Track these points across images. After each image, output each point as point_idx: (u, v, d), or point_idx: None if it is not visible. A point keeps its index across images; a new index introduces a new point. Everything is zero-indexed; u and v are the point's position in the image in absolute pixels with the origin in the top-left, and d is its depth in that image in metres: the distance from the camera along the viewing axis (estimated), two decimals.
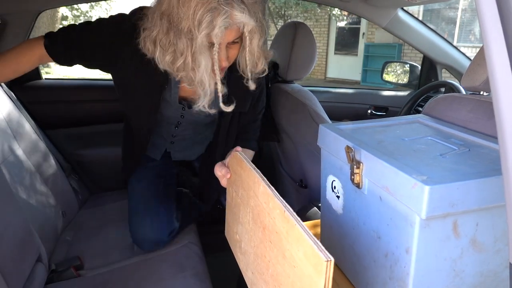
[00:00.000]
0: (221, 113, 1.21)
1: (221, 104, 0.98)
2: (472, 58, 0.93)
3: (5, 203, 0.90)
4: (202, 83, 0.93)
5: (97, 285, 1.09)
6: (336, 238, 0.84)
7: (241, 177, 0.83)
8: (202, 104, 0.99)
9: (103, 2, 12.41)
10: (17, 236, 0.91)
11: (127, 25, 1.02)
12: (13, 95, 1.44)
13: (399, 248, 0.63)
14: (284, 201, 0.62)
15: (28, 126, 1.41)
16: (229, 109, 1.00)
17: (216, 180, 0.97)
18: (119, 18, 1.08)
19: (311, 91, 1.59)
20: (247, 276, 0.79)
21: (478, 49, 0.91)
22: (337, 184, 0.80)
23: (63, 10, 10.54)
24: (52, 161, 1.46)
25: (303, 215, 1.30)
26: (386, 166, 0.62)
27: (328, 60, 10.62)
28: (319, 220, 1.04)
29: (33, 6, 1.53)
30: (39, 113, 1.65)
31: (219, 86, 0.95)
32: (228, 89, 1.01)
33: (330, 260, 0.48)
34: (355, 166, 0.69)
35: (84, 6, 12.50)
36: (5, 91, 1.38)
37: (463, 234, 0.61)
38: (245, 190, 0.80)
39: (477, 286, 0.65)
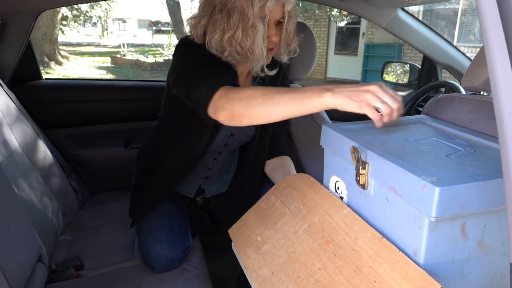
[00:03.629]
0: (255, 131, 1.27)
1: (265, 68, 1.09)
2: (472, 58, 0.93)
3: (6, 203, 0.90)
4: (257, 47, 1.00)
5: (97, 285, 1.09)
6: None
7: (306, 195, 0.87)
8: (255, 70, 1.08)
9: (103, 2, 12.41)
10: (18, 236, 0.91)
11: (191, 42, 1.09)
12: (13, 95, 1.44)
13: (406, 250, 0.63)
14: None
15: (28, 126, 1.41)
16: (272, 72, 1.12)
17: (232, 206, 1.01)
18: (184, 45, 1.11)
19: None
20: (258, 274, 0.79)
21: (478, 49, 0.91)
22: (341, 184, 0.79)
23: (63, 10, 10.53)
24: (52, 161, 1.46)
25: None
26: (393, 167, 0.62)
27: (328, 60, 10.61)
28: None
29: (33, 6, 1.53)
30: (39, 113, 1.65)
31: (265, 52, 1.04)
32: (266, 81, 1.19)
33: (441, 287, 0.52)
34: (360, 167, 0.68)
35: (84, 6, 12.49)
36: (5, 91, 1.38)
37: (471, 236, 0.61)
38: (306, 206, 0.84)
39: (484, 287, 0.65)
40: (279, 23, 1.06)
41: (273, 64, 1.18)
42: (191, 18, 1.09)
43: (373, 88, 0.70)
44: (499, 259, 0.64)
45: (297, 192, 0.93)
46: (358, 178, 0.70)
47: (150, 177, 1.23)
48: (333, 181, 0.83)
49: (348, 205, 0.77)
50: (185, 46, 1.09)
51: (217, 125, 1.10)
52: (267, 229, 0.89)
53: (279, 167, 1.29)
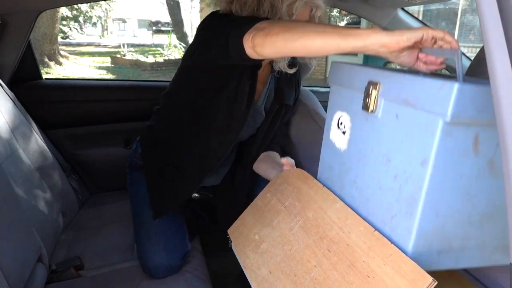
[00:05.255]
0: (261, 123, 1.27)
1: (286, 66, 1.12)
2: (472, 58, 0.93)
3: (6, 203, 0.90)
4: None
5: (97, 285, 1.09)
6: (336, 178, 0.83)
7: (301, 191, 0.87)
8: (283, 64, 1.11)
9: (103, 2, 12.41)
10: (18, 236, 0.91)
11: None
12: (13, 95, 1.44)
13: (412, 163, 0.61)
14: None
15: (28, 126, 1.41)
16: (292, 70, 1.16)
17: (236, 203, 1.08)
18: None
19: (311, 91, 1.59)
20: (257, 274, 0.79)
21: (478, 49, 0.91)
22: (345, 118, 0.79)
23: (63, 10, 10.53)
24: (52, 161, 1.46)
25: None
26: (408, 78, 0.61)
27: (328, 60, 10.61)
28: None
29: (33, 6, 1.53)
30: (39, 113, 1.65)
31: None
32: (281, 83, 1.23)
33: (436, 282, 0.52)
34: (371, 87, 0.68)
35: (84, 6, 12.49)
36: (5, 91, 1.38)
37: (482, 152, 0.59)
38: (301, 202, 0.84)
39: (488, 216, 0.63)
40: None
41: (294, 62, 1.19)
42: None
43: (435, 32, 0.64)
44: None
45: (292, 188, 0.92)
46: (367, 100, 0.69)
47: (170, 171, 1.18)
48: (336, 118, 0.82)
49: (351, 138, 0.77)
50: (211, 18, 1.03)
51: (249, 102, 1.06)
52: (264, 228, 0.89)
53: (264, 157, 1.28)
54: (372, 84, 0.69)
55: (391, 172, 0.66)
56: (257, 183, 1.30)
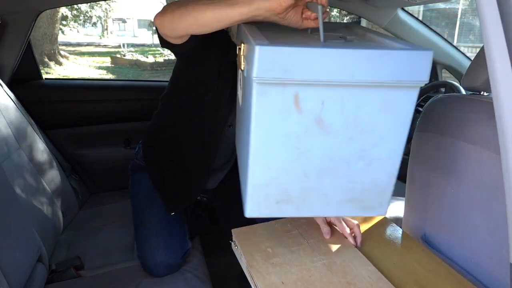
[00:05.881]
0: None
1: None
2: (472, 58, 0.93)
3: (6, 203, 0.90)
4: None
5: (97, 285, 1.09)
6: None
7: (328, 239, 0.91)
8: None
9: (103, 2, 12.41)
10: (18, 236, 0.91)
11: None
12: (13, 95, 1.44)
13: (246, 120, 0.64)
14: None
15: (28, 126, 1.41)
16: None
17: (232, 204, 1.07)
18: None
19: None
20: (265, 278, 0.79)
21: (478, 49, 0.91)
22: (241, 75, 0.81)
23: (63, 10, 10.54)
24: (52, 161, 1.46)
25: None
26: (250, 40, 0.61)
27: None
28: None
29: (33, 6, 1.53)
30: (39, 113, 1.65)
31: None
32: None
33: None
34: (239, 48, 0.68)
35: (84, 6, 12.49)
36: (5, 91, 1.38)
37: (306, 111, 0.60)
38: (327, 247, 0.88)
39: (327, 171, 0.65)
40: None
41: None
42: None
43: None
44: (343, 143, 0.62)
45: (318, 233, 0.94)
46: (239, 60, 0.69)
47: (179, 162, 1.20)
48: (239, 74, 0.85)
49: (242, 95, 0.78)
50: None
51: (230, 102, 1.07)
52: (280, 247, 0.89)
53: None
54: (240, 44, 0.68)
55: (239, 133, 0.71)
56: None
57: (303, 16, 0.70)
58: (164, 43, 0.92)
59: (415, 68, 0.56)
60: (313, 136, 0.62)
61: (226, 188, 1.36)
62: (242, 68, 0.67)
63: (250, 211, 0.68)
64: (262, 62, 0.55)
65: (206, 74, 1.06)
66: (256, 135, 0.61)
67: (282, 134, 0.61)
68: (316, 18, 0.68)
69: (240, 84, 0.81)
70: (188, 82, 1.13)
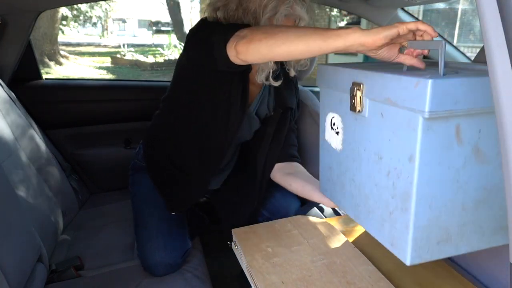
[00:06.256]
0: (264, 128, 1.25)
1: (271, 79, 1.09)
2: (472, 58, 0.93)
3: (6, 203, 0.90)
4: None
5: (97, 285, 1.09)
6: (336, 177, 0.84)
7: (328, 239, 0.91)
8: (260, 78, 1.08)
9: (102, 2, 12.40)
10: (18, 236, 0.91)
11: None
12: (13, 95, 1.44)
13: (401, 160, 0.63)
14: None
15: (28, 126, 1.41)
16: (277, 83, 1.12)
17: (233, 206, 1.10)
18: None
19: (311, 91, 1.59)
20: (265, 278, 0.80)
21: (478, 49, 0.91)
22: (336, 119, 0.81)
23: (63, 10, 10.54)
24: (52, 161, 1.46)
25: (304, 214, 1.30)
26: (387, 77, 0.63)
27: (328, 60, 10.61)
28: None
29: (33, 6, 1.53)
30: (39, 113, 1.65)
31: (271, 63, 1.05)
32: (280, 88, 1.18)
33: None
34: (355, 88, 0.70)
35: (84, 6, 12.49)
36: (5, 91, 1.38)
37: (465, 141, 0.60)
38: (327, 247, 0.88)
39: (481, 201, 0.64)
40: None
41: (279, 75, 1.16)
42: (208, 5, 1.08)
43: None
44: (496, 170, 0.63)
45: (318, 232, 0.95)
46: (353, 101, 0.71)
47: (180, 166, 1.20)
48: (329, 118, 0.84)
49: (344, 138, 0.79)
50: (198, 26, 1.04)
51: (243, 103, 1.07)
52: (280, 247, 0.89)
53: (295, 172, 1.20)
54: (356, 85, 0.70)
55: (383, 169, 0.67)
56: (273, 195, 1.30)
57: (405, 52, 0.69)
58: (225, 64, 0.88)
59: None
60: (471, 166, 0.62)
61: (226, 188, 1.36)
62: (360, 109, 0.70)
63: (412, 258, 0.64)
64: (435, 97, 0.55)
65: (220, 83, 1.06)
66: (420, 174, 0.60)
67: (444, 169, 0.61)
68: (416, 56, 0.68)
69: (336, 127, 0.81)
70: (201, 89, 1.10)
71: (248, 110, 1.19)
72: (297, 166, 1.24)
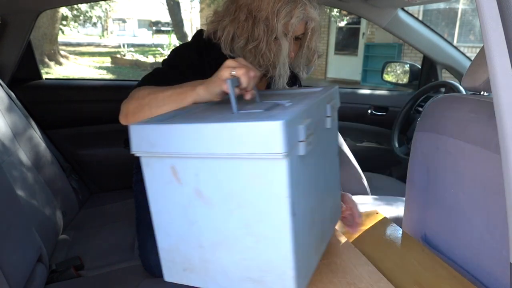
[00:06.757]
0: None
1: (285, 85, 1.08)
2: (472, 58, 0.93)
3: (7, 203, 0.90)
4: (283, 64, 1.01)
5: (97, 285, 1.09)
6: None
7: (331, 245, 0.90)
8: (277, 85, 1.07)
9: (102, 2, 12.40)
10: (18, 236, 0.91)
11: (201, 41, 1.08)
12: (13, 95, 1.44)
13: None
14: None
15: (28, 126, 1.41)
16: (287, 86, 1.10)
17: None
18: (190, 41, 1.13)
19: None
20: None
21: (478, 49, 0.91)
22: None
23: (63, 10, 10.54)
24: (52, 161, 1.46)
25: None
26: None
27: (328, 60, 10.61)
28: None
29: (33, 6, 1.53)
30: (39, 113, 1.65)
31: (288, 70, 1.05)
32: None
33: None
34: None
35: (84, 6, 12.49)
36: (5, 91, 1.38)
37: (185, 182, 0.61)
38: (328, 247, 0.86)
39: (220, 244, 0.62)
40: (297, 38, 1.04)
41: (293, 80, 1.17)
42: (212, 14, 1.07)
43: (227, 63, 0.74)
44: (227, 216, 0.60)
45: None
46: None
47: None
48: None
49: None
50: (181, 47, 1.10)
51: None
52: None
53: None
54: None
55: None
56: None
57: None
58: None
59: (265, 140, 0.52)
60: (197, 207, 0.61)
61: None
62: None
63: (166, 275, 0.69)
64: (135, 139, 0.61)
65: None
66: (152, 204, 0.65)
67: (171, 203, 0.63)
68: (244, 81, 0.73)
69: None
70: None
71: None
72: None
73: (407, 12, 1.81)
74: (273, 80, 1.07)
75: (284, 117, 0.53)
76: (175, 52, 1.10)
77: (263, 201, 0.57)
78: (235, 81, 0.70)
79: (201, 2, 12.70)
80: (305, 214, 0.62)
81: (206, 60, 1.06)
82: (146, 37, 19.73)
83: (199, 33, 1.10)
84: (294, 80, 1.19)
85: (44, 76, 1.82)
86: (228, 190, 0.58)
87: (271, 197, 0.56)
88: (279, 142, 0.51)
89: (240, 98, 0.73)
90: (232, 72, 0.71)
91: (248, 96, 0.75)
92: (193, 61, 1.05)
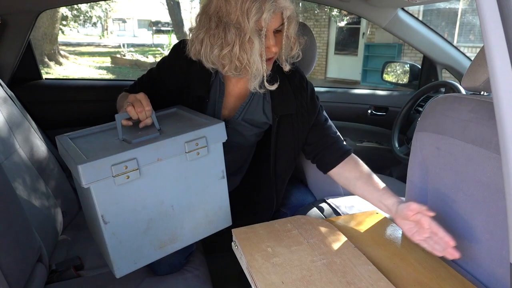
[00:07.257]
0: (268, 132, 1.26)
1: (266, 83, 1.05)
2: (472, 58, 0.93)
3: (6, 203, 0.90)
4: (254, 63, 0.99)
5: (97, 286, 1.09)
6: None
7: (328, 239, 0.92)
8: (253, 85, 1.05)
9: (103, 2, 12.40)
10: (18, 236, 0.91)
11: (182, 48, 1.13)
12: (13, 95, 1.44)
13: None
14: None
15: (28, 126, 1.41)
16: (273, 87, 1.07)
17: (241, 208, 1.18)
18: (173, 49, 1.25)
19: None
20: (265, 278, 0.80)
21: (478, 49, 0.91)
22: None
23: (63, 10, 10.54)
24: (52, 161, 1.46)
25: (304, 215, 1.30)
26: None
27: (328, 60, 10.61)
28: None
29: (33, 6, 1.53)
30: (39, 113, 1.65)
31: (264, 67, 1.02)
32: (274, 95, 1.17)
33: None
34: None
35: (84, 6, 12.49)
36: (5, 91, 1.38)
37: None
38: (327, 247, 0.89)
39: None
40: (277, 31, 1.02)
41: (274, 77, 1.09)
42: (190, 30, 1.07)
43: (128, 98, 1.00)
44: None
45: (318, 232, 0.95)
46: None
47: None
48: None
49: None
50: (165, 58, 1.26)
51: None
52: (280, 247, 0.89)
53: (359, 174, 1.12)
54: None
55: None
56: (288, 190, 1.33)
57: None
58: None
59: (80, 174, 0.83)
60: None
61: (242, 190, 1.38)
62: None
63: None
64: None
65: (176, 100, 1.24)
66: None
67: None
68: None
69: None
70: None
71: (233, 118, 1.20)
72: (355, 162, 1.16)
73: (407, 12, 1.81)
74: (249, 82, 1.05)
75: (92, 160, 0.84)
76: (163, 59, 1.21)
77: (94, 211, 0.89)
78: (125, 115, 0.97)
79: (201, 2, 12.69)
80: (129, 222, 0.92)
81: (192, 69, 1.14)
82: (146, 37, 19.73)
83: (180, 44, 1.18)
84: (275, 78, 1.09)
85: (44, 76, 1.82)
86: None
87: (95, 211, 0.89)
88: (80, 178, 0.83)
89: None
90: (126, 107, 0.96)
91: (141, 125, 1.01)
92: (174, 69, 1.16)
